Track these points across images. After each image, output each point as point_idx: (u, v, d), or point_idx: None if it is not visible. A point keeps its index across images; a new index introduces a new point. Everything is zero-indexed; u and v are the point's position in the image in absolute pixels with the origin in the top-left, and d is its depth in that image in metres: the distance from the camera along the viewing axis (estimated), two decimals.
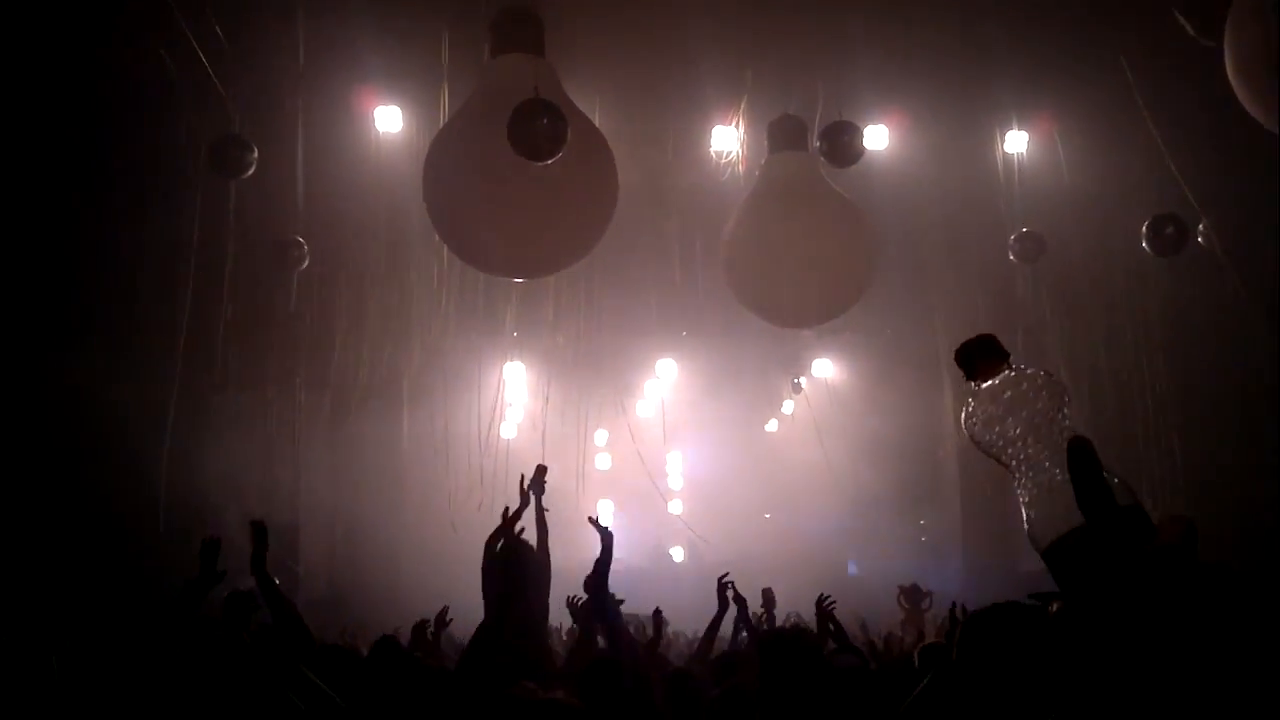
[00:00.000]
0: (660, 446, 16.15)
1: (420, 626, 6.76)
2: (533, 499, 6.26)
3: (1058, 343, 12.54)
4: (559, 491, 13.87)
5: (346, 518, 14.14)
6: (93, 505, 9.99)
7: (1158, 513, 11.74)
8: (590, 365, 14.30)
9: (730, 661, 5.11)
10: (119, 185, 9.30)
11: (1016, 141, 10.27)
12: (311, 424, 13.35)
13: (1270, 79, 5.93)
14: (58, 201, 9.09)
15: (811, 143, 9.22)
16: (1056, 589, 4.17)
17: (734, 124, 9.94)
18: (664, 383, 15.76)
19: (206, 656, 4.44)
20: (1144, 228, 9.40)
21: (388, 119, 9.66)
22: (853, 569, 15.86)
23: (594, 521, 4.60)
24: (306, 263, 10.10)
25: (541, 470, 6.33)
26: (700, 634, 8.67)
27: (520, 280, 10.62)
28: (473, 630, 6.39)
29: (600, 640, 5.26)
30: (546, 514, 6.41)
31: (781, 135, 9.62)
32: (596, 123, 8.59)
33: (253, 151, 8.38)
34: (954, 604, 6.44)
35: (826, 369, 16.03)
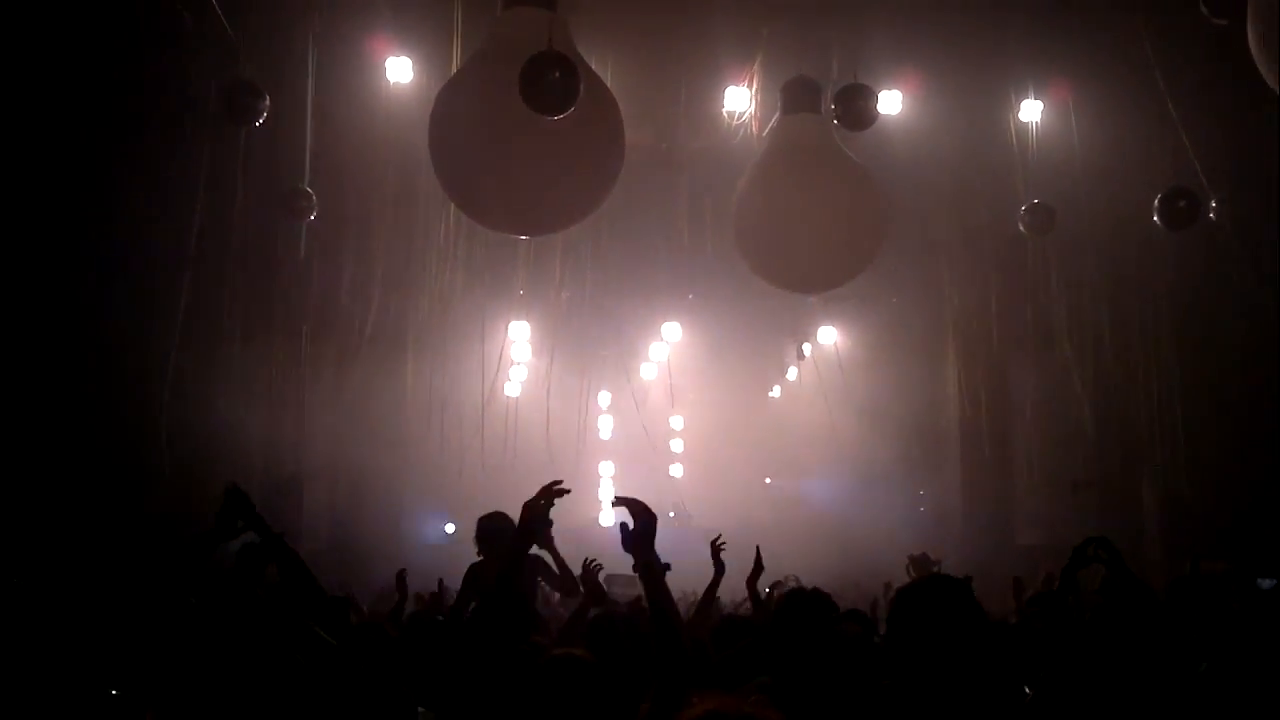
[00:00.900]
0: (664, 409, 16.20)
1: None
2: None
3: (1065, 316, 12.52)
4: (562, 451, 14.14)
5: (349, 470, 14.19)
6: (95, 453, 10.02)
7: (1158, 490, 11.76)
8: (596, 325, 14.32)
9: (732, 626, 5.10)
10: (129, 128, 9.26)
11: (1031, 110, 10.18)
12: (316, 376, 13.38)
13: None
14: (65, 141, 9.05)
15: (825, 105, 9.15)
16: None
17: (747, 84, 9.86)
18: (669, 345, 15.76)
19: (220, 609, 4.47)
20: (1156, 201, 9.34)
21: (399, 70, 9.60)
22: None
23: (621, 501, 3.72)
24: (315, 213, 10.07)
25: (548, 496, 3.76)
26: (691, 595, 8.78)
27: (525, 237, 10.59)
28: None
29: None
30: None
31: (795, 97, 9.53)
32: (608, 80, 8.52)
33: (264, 98, 8.34)
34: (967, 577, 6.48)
35: (831, 336, 16.00)
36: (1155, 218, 9.34)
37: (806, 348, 16.31)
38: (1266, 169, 9.13)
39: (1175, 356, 11.86)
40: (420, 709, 3.84)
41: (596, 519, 15.17)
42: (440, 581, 8.79)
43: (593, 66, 8.16)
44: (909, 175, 10.85)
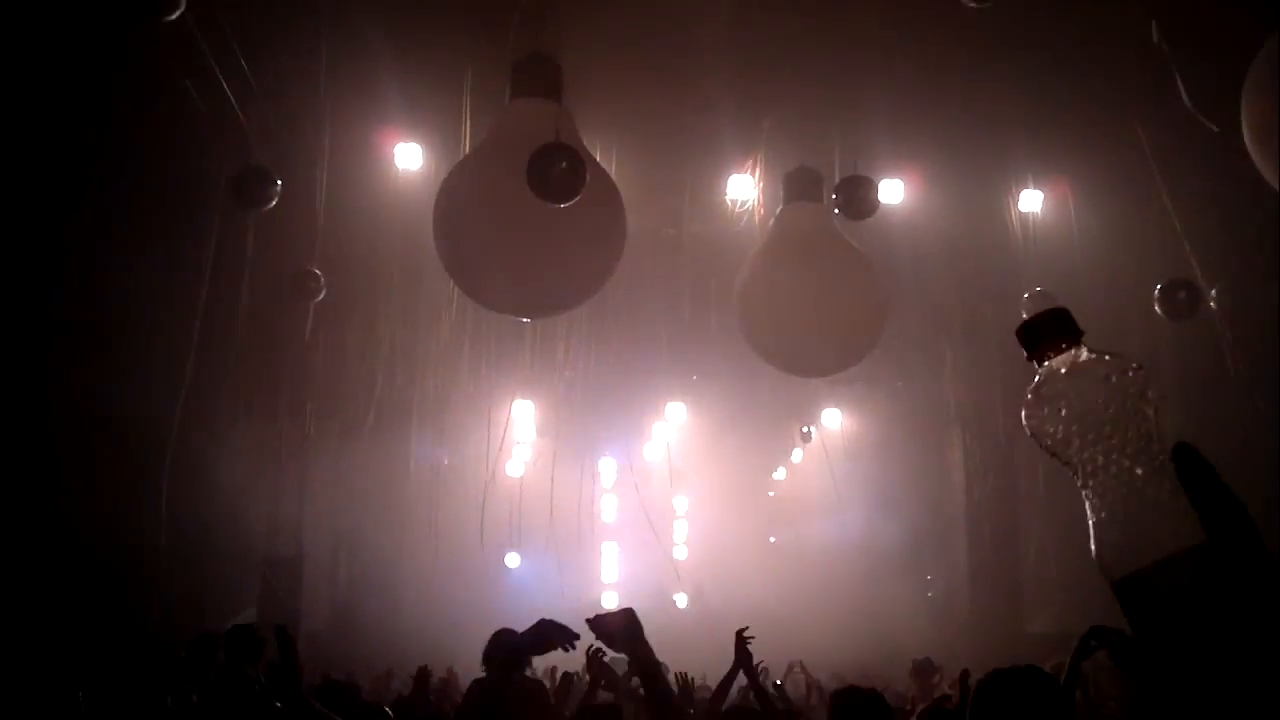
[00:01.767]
0: (667, 490, 16.16)
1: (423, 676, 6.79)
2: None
3: None
4: (567, 533, 14.07)
5: (350, 550, 14.14)
6: (94, 528, 10.00)
7: None
8: (599, 407, 14.34)
9: (741, 715, 5.08)
10: (141, 210, 9.39)
11: (1031, 200, 10.30)
12: (319, 456, 13.40)
13: None
14: (78, 221, 9.18)
15: (827, 195, 9.27)
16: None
17: (750, 172, 10.01)
18: (672, 426, 15.77)
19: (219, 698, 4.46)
20: (1156, 291, 9.40)
21: (408, 156, 9.76)
22: None
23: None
24: (323, 294, 10.16)
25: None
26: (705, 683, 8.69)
27: (527, 320, 10.68)
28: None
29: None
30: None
31: (797, 186, 9.66)
32: (613, 166, 8.67)
33: (275, 184, 8.47)
34: (964, 672, 6.39)
35: (836, 419, 16.00)
36: (1156, 308, 9.39)
37: (811, 430, 16.30)
38: (1264, 261, 9.21)
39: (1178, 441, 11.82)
40: None
41: (599, 601, 15.06)
42: (450, 669, 8.70)
43: (598, 154, 8.30)
44: (911, 263, 10.94)
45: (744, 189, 10.15)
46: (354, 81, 8.90)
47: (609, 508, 16.35)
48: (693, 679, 7.13)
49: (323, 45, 8.48)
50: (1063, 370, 1.42)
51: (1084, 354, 1.42)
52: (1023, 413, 1.34)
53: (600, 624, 3.16)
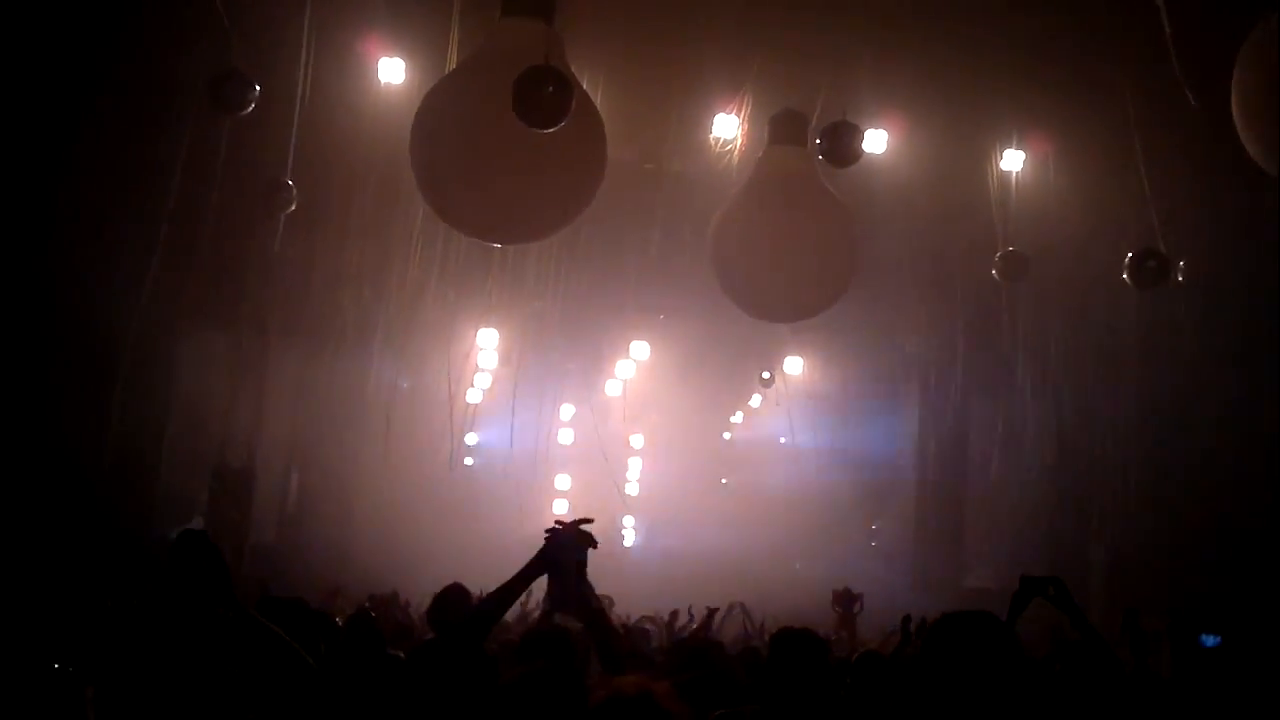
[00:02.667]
0: (624, 426, 16.24)
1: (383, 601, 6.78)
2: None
3: (1026, 364, 12.69)
4: (525, 464, 14.12)
5: (303, 466, 14.09)
6: (45, 428, 9.87)
7: (1106, 541, 11.91)
8: (564, 338, 14.32)
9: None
10: (115, 109, 9.16)
11: (1013, 160, 10.33)
12: (279, 369, 13.29)
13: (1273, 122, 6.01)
14: (51, 116, 8.94)
15: (811, 140, 9.23)
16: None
17: (736, 112, 9.93)
18: (635, 363, 15.79)
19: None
20: (1126, 259, 9.50)
21: (391, 70, 9.56)
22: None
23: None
24: (294, 206, 9.99)
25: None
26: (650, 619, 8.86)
27: (499, 245, 10.59)
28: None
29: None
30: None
31: (782, 129, 9.62)
32: (599, 96, 8.54)
33: (253, 89, 8.27)
34: (906, 616, 6.53)
35: (798, 366, 16.10)
36: (1124, 276, 9.50)
37: (770, 375, 16.39)
38: (1239, 234, 9.34)
39: (1134, 412, 12.05)
40: None
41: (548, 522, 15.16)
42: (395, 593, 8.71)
43: (584, 82, 8.18)
44: (889, 213, 10.97)
45: (728, 128, 10.08)
46: None
47: (565, 439, 16.40)
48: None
49: None
50: None
51: None
52: None
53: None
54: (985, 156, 10.33)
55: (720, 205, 9.87)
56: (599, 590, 7.05)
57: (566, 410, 16.29)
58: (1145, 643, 6.29)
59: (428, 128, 7.95)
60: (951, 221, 11.54)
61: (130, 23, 8.58)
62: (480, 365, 14.69)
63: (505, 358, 14.73)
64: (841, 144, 8.77)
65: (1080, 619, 3.85)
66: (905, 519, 16.05)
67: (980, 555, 14.96)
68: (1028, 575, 3.90)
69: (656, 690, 2.59)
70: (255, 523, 13.55)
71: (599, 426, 15.55)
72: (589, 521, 3.52)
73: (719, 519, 16.31)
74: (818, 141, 8.93)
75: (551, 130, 7.06)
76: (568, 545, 3.39)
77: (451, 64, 8.52)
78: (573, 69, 7.80)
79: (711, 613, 8.73)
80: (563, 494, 16.23)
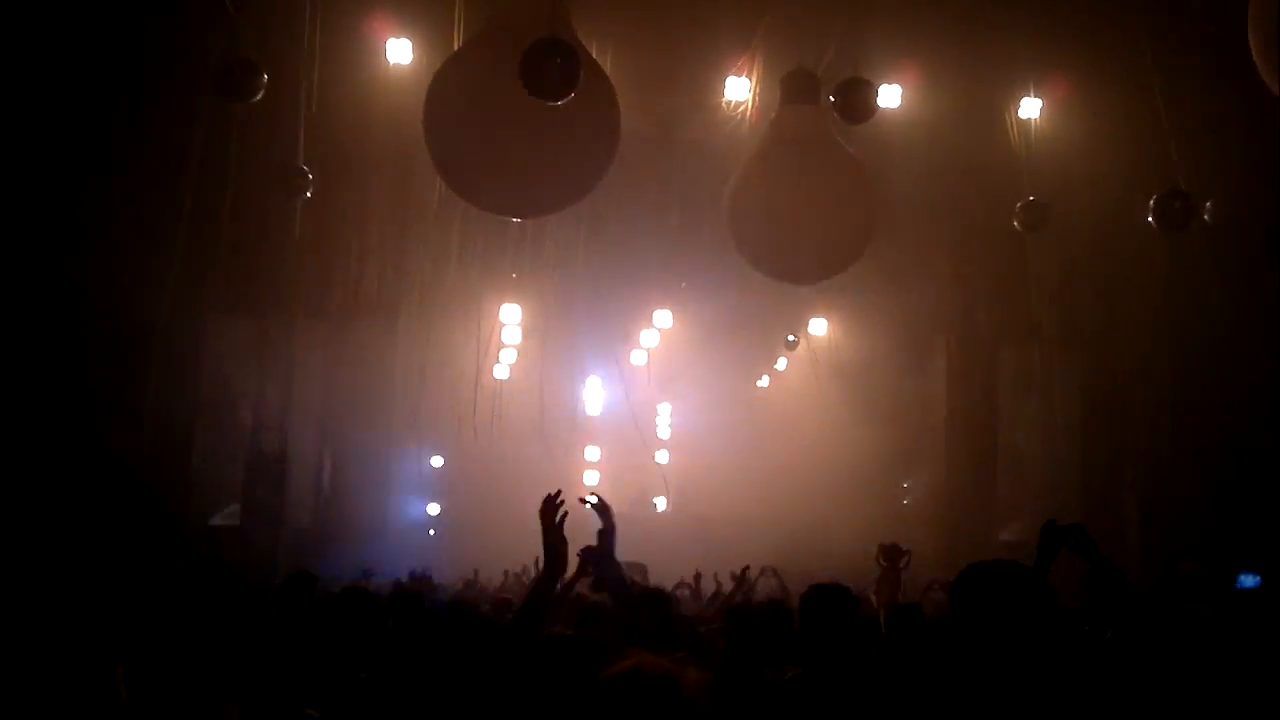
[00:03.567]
0: (652, 395, 16.26)
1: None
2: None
3: (1055, 313, 12.59)
4: (554, 437, 14.17)
5: (335, 449, 14.20)
6: (81, 418, 10.01)
7: (1138, 491, 11.82)
8: (587, 310, 14.33)
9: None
10: (123, 99, 9.21)
11: (1030, 108, 10.20)
12: (306, 351, 13.38)
13: None
14: (63, 111, 9.00)
15: (824, 97, 9.14)
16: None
17: (747, 74, 9.85)
18: (659, 332, 15.79)
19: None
20: (1151, 202, 9.38)
21: (399, 50, 9.55)
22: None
23: (591, 504, 3.84)
24: (310, 191, 10.02)
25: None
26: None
27: (518, 220, 10.59)
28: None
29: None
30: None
31: (794, 88, 9.51)
32: (608, 65, 8.50)
33: (261, 76, 8.27)
34: (931, 583, 6.54)
35: (822, 327, 16.03)
36: (1150, 218, 9.38)
37: (795, 338, 16.32)
38: (1263, 172, 9.19)
39: (1166, 356, 11.94)
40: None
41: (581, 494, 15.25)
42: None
43: (593, 52, 8.14)
44: (906, 169, 10.87)
45: (740, 91, 10.00)
46: None
47: (594, 409, 16.43)
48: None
49: None
50: None
51: None
52: None
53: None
54: (1002, 105, 10.20)
55: (735, 168, 9.80)
56: (632, 557, 7.16)
57: (593, 381, 16.32)
58: (1184, 585, 6.27)
59: (439, 105, 7.95)
60: (970, 173, 11.42)
61: (138, 16, 8.60)
62: (505, 340, 14.74)
63: (529, 331, 14.76)
64: (855, 100, 8.67)
65: (1104, 566, 3.80)
66: (936, 476, 15.98)
67: (1013, 508, 14.90)
68: (1051, 522, 3.88)
69: (684, 677, 2.59)
70: (291, 507, 13.68)
71: (627, 395, 15.57)
72: (600, 506, 3.57)
73: (749, 483, 16.32)
74: (831, 99, 8.84)
75: (561, 103, 7.04)
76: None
77: (458, 41, 8.49)
78: (580, 36, 7.77)
79: (744, 573, 8.74)
80: (593, 465, 16.28)
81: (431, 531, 14.65)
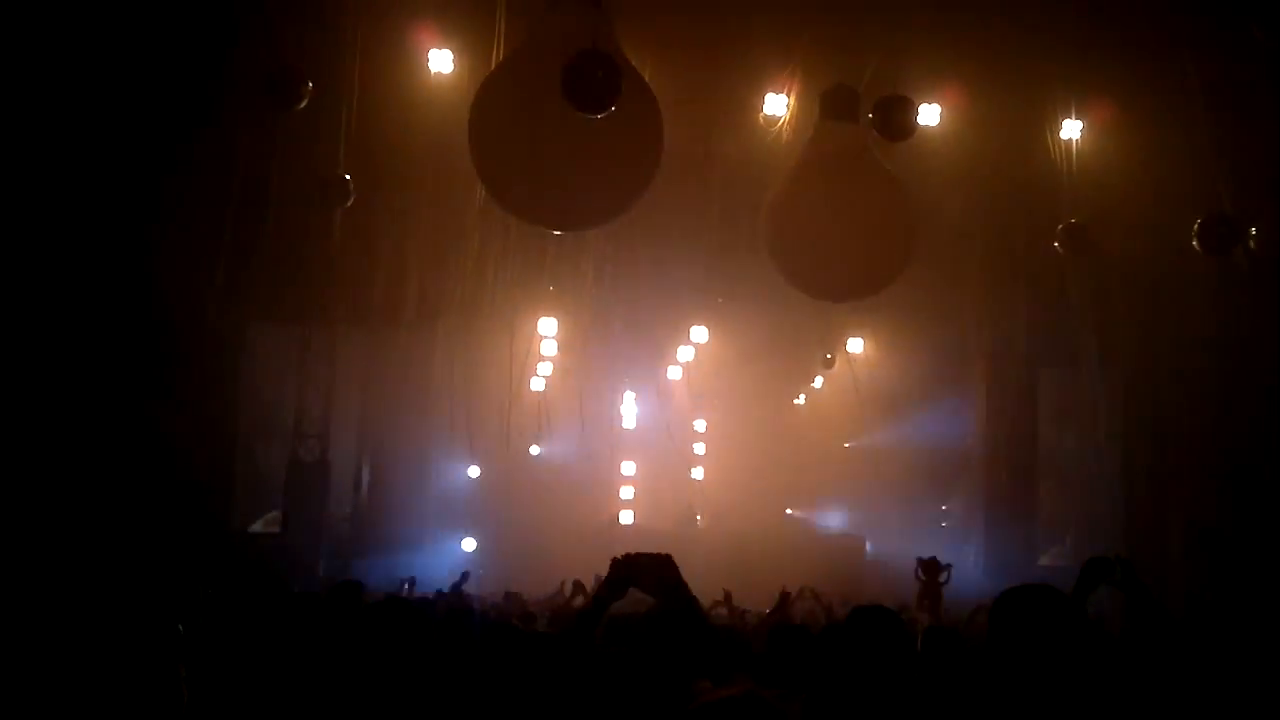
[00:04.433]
0: (688, 411, 16.24)
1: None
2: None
3: (1096, 335, 12.46)
4: (590, 452, 14.17)
5: (375, 457, 14.29)
6: (126, 427, 10.16)
7: (1183, 514, 11.61)
8: (624, 325, 14.35)
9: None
10: (169, 109, 9.38)
11: (1071, 129, 10.13)
12: (346, 361, 13.48)
13: None
14: (110, 120, 9.17)
15: (863, 115, 9.13)
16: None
17: (787, 91, 9.86)
18: (695, 347, 15.78)
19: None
20: (1195, 226, 9.27)
21: (441, 61, 9.65)
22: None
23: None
24: (351, 200, 10.14)
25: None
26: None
27: (559, 232, 10.64)
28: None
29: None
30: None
31: (833, 105, 9.51)
32: (648, 78, 8.55)
33: (306, 84, 8.40)
34: (979, 607, 6.45)
35: (859, 346, 15.95)
36: (1194, 242, 9.27)
37: (832, 356, 16.23)
38: None
39: (1209, 378, 11.76)
40: None
41: (617, 517, 15.30)
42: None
43: (637, 65, 8.18)
44: (945, 187, 10.82)
45: (779, 107, 10.01)
46: None
47: (629, 423, 16.43)
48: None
49: None
50: None
51: None
52: None
53: (630, 564, 3.25)
54: (1043, 126, 10.14)
55: (773, 184, 9.80)
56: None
57: (629, 397, 16.33)
58: (1225, 552, 6.13)
59: (485, 116, 8.02)
60: (1011, 194, 11.35)
61: (185, 28, 8.75)
62: (542, 354, 14.79)
63: (565, 345, 14.80)
64: (895, 117, 8.67)
65: (1146, 600, 3.77)
66: (975, 499, 15.81)
67: (1054, 532, 14.72)
68: (1095, 556, 3.87)
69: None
70: (331, 514, 13.77)
71: (663, 411, 15.57)
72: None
73: (786, 501, 16.25)
74: (870, 116, 8.83)
75: (602, 115, 7.08)
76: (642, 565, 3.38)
77: (499, 52, 8.57)
78: (624, 52, 7.82)
79: (785, 596, 8.69)
80: (629, 480, 16.27)
81: (467, 541, 14.66)
